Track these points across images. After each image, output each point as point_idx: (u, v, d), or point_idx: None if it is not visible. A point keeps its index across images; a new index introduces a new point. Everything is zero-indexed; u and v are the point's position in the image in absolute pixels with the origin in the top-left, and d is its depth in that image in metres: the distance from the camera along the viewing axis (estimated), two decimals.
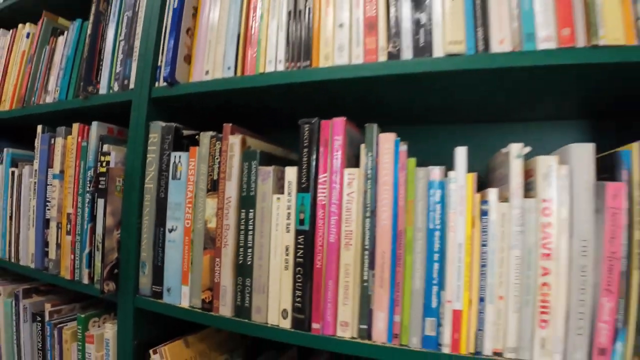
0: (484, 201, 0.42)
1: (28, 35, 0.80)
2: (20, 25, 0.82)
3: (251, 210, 0.49)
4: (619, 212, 0.38)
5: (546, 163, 0.40)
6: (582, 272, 0.39)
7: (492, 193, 0.41)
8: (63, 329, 0.66)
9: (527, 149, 0.42)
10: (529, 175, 0.43)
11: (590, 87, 0.46)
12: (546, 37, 0.41)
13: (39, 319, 0.70)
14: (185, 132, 0.58)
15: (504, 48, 0.42)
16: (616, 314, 0.38)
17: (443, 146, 0.65)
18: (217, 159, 0.52)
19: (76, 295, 0.77)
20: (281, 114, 0.65)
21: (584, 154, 0.40)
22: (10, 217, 0.76)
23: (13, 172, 0.76)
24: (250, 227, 0.49)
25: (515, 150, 0.41)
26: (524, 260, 0.40)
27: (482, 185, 0.48)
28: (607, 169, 0.41)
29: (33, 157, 0.82)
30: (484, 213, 0.41)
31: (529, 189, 0.42)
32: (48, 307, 0.69)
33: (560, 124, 0.61)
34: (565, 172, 0.40)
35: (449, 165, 0.45)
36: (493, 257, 0.41)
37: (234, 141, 0.50)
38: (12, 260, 0.75)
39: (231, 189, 0.50)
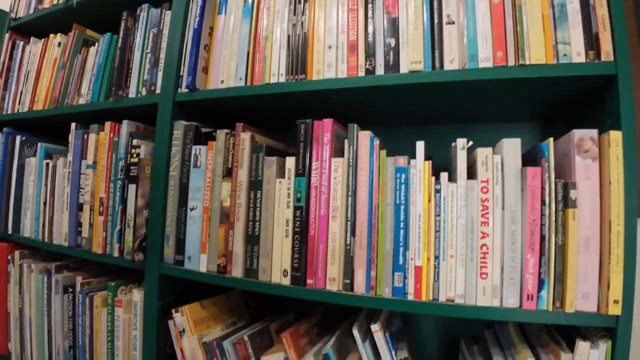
0: (437, 182, 0.55)
1: (59, 44, 0.93)
2: (51, 35, 0.95)
3: (259, 191, 0.62)
4: (537, 189, 0.52)
5: (484, 153, 0.54)
6: (512, 235, 0.53)
7: (443, 176, 0.55)
8: (94, 296, 0.78)
9: (470, 143, 0.56)
10: (473, 163, 0.56)
11: (525, 96, 0.60)
12: (485, 58, 0.55)
13: (70, 290, 0.83)
14: (203, 130, 0.71)
15: (453, 66, 0.56)
16: (539, 267, 0.52)
17: (411, 142, 0.80)
18: (230, 151, 0.65)
19: (102, 270, 0.89)
20: (281, 115, 0.78)
21: (512, 146, 0.54)
22: (44, 203, 0.88)
23: (47, 164, 0.89)
24: (258, 205, 0.62)
25: (461, 143, 0.55)
26: (468, 227, 0.54)
27: (445, 171, 0.62)
28: (532, 158, 0.55)
29: (64, 150, 0.94)
30: (437, 191, 0.55)
31: (472, 174, 0.56)
32: (79, 279, 0.82)
33: (513, 125, 0.76)
34: (498, 160, 0.54)
35: (412, 156, 0.59)
36: (444, 224, 0.54)
37: (245, 137, 0.64)
38: (46, 240, 0.87)
39: (242, 175, 0.63)
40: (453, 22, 0.57)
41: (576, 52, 0.53)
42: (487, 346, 0.65)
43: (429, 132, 0.80)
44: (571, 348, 0.52)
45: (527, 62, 0.54)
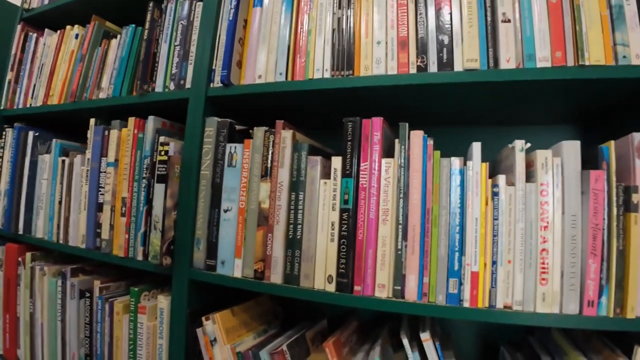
0: (494, 185, 0.54)
1: (77, 36, 0.89)
2: (68, 27, 0.91)
3: (301, 193, 0.60)
4: (600, 193, 0.51)
5: (543, 155, 0.53)
6: (572, 240, 0.51)
7: (501, 179, 0.53)
8: (114, 302, 0.75)
9: (528, 145, 0.54)
10: (529, 165, 0.55)
11: (578, 97, 0.59)
12: (543, 58, 0.54)
13: (87, 295, 0.79)
14: (237, 127, 0.69)
15: (510, 65, 0.55)
16: (600, 273, 0.50)
17: (459, 144, 0.78)
18: (269, 149, 0.63)
19: (120, 274, 0.85)
20: (319, 113, 0.76)
21: (572, 148, 0.52)
22: (60, 202, 0.85)
23: (63, 161, 0.85)
24: (300, 207, 0.60)
25: (519, 145, 0.54)
26: (527, 231, 0.52)
27: (491, 175, 0.61)
28: (591, 161, 0.54)
29: (80, 147, 0.91)
30: (495, 194, 0.53)
31: (529, 176, 0.54)
32: (97, 284, 0.78)
33: (555, 128, 0.75)
34: (558, 163, 0.52)
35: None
36: (502, 229, 0.53)
37: (286, 135, 0.61)
38: (61, 241, 0.84)
39: (283, 175, 0.61)
40: (509, 20, 0.56)
41: (635, 54, 0.52)
42: (534, 353, 0.64)
43: (468, 134, 0.79)
44: (627, 354, 0.51)
45: (587, 63, 0.52)
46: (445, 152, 0.77)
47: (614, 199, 0.50)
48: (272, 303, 0.80)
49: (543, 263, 0.51)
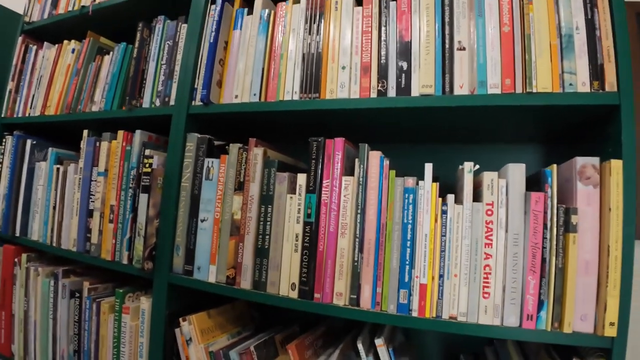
0: (444, 203, 0.59)
1: (73, 50, 0.97)
2: (65, 42, 0.99)
3: (269, 206, 0.66)
4: (539, 214, 0.56)
5: (489, 177, 0.58)
6: (514, 257, 0.56)
7: (450, 198, 0.59)
8: (101, 302, 0.82)
9: (477, 167, 0.60)
10: (478, 186, 0.61)
11: (530, 121, 0.65)
12: (494, 84, 0.59)
13: (77, 295, 0.87)
14: (216, 143, 0.75)
15: (463, 91, 0.60)
16: (539, 289, 0.55)
17: (420, 161, 0.84)
18: (243, 165, 0.69)
19: (108, 276, 0.93)
20: (292, 131, 0.82)
21: (517, 170, 0.58)
22: (54, 207, 0.92)
23: (58, 169, 0.93)
24: (269, 219, 0.66)
25: (468, 167, 0.59)
26: (472, 248, 0.58)
27: (451, 191, 0.66)
28: (536, 183, 0.59)
29: (74, 156, 0.98)
30: (444, 212, 0.59)
31: (477, 196, 0.60)
32: (86, 285, 0.85)
33: (517, 147, 0.80)
34: (503, 184, 0.58)
35: (420, 176, 0.63)
36: (450, 244, 0.58)
37: (258, 152, 0.68)
38: (54, 244, 0.91)
39: (254, 189, 0.68)
40: (464, 48, 0.61)
41: (581, 82, 0.57)
42: None
43: (434, 151, 0.84)
44: None
45: (535, 90, 0.58)
46: (407, 169, 0.84)
47: (555, 219, 0.55)
48: (248, 307, 0.86)
49: (486, 278, 0.57)
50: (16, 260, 0.98)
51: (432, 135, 0.79)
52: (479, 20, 0.61)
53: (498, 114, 0.63)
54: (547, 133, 0.73)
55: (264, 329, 0.81)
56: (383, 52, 0.64)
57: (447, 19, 0.63)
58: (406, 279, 0.59)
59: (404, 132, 0.78)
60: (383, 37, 0.65)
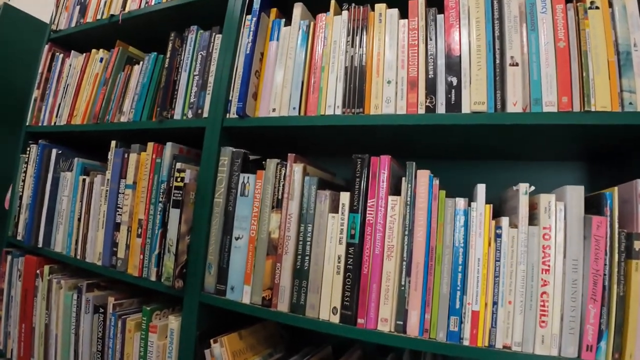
0: (498, 227, 0.57)
1: (101, 60, 0.97)
2: (93, 50, 0.99)
3: (309, 225, 0.65)
4: (601, 239, 0.53)
5: (547, 199, 0.56)
6: (573, 284, 0.54)
7: (505, 221, 0.57)
8: (127, 319, 0.81)
9: (532, 188, 0.58)
10: (533, 208, 0.58)
11: (583, 140, 0.62)
12: (549, 102, 0.57)
13: (101, 310, 0.85)
14: (251, 157, 0.74)
15: (516, 109, 0.58)
16: (600, 318, 0.53)
17: (464, 179, 0.82)
18: (281, 181, 0.68)
19: (133, 291, 0.91)
20: (331, 146, 0.81)
21: (575, 193, 0.55)
22: (79, 219, 0.91)
23: (84, 180, 0.92)
24: (308, 239, 0.64)
25: (523, 188, 0.57)
26: (528, 274, 0.55)
27: (496, 213, 0.64)
28: (594, 205, 0.57)
29: (100, 167, 0.98)
30: (497, 236, 0.57)
31: (533, 219, 0.58)
32: (111, 300, 0.84)
33: (562, 165, 0.77)
34: (561, 207, 0.56)
35: (469, 194, 0.61)
36: (504, 270, 0.56)
37: (297, 168, 0.66)
38: (78, 257, 0.90)
39: (293, 207, 0.66)
40: (517, 64, 0.60)
41: None
42: None
43: (476, 167, 0.82)
44: None
45: (593, 109, 0.56)
46: (450, 186, 0.81)
47: (616, 245, 0.53)
48: (278, 326, 0.84)
49: (543, 305, 0.54)
50: (38, 272, 0.97)
51: (471, 152, 0.77)
52: (532, 35, 0.60)
53: (550, 133, 0.61)
54: (590, 152, 0.71)
55: (294, 350, 0.79)
56: (431, 67, 0.62)
57: (497, 33, 0.61)
58: (457, 306, 0.57)
59: (442, 149, 0.76)
60: (430, 51, 0.63)
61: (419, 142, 0.72)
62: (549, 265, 0.55)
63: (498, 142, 0.67)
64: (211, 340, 0.70)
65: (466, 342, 0.56)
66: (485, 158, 0.81)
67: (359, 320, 0.60)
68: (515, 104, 0.59)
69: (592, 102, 0.56)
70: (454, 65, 0.62)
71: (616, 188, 0.55)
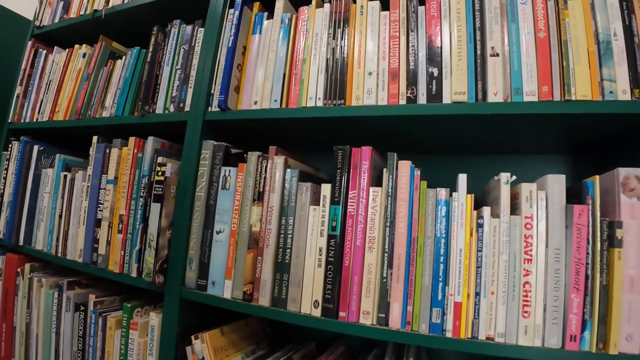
0: (479, 216, 0.55)
1: (84, 55, 0.93)
2: (76, 46, 0.96)
3: (291, 218, 0.62)
4: (583, 228, 0.52)
5: (528, 188, 0.54)
6: (555, 273, 0.52)
7: (486, 210, 0.55)
8: (108, 317, 0.77)
9: (514, 178, 0.56)
10: (514, 198, 0.56)
11: (565, 130, 0.61)
12: (530, 92, 0.56)
13: (82, 308, 0.81)
14: (233, 151, 0.71)
15: (497, 98, 0.57)
16: (583, 307, 0.51)
17: (448, 173, 0.80)
18: (262, 174, 0.65)
19: (115, 289, 0.88)
20: (312, 139, 0.78)
21: (556, 182, 0.53)
22: (60, 216, 0.87)
23: (65, 176, 0.88)
24: (290, 232, 0.62)
25: (505, 178, 0.55)
26: (510, 264, 0.53)
27: (478, 204, 0.62)
28: (575, 195, 0.55)
29: (82, 163, 0.94)
30: (479, 226, 0.55)
31: (514, 209, 0.56)
32: (92, 298, 0.80)
33: (544, 157, 0.76)
34: (542, 196, 0.54)
35: (451, 187, 0.59)
36: (486, 260, 0.54)
37: (278, 161, 0.64)
38: (59, 254, 0.86)
39: (274, 200, 0.63)
40: (497, 54, 0.58)
41: (622, 90, 0.54)
42: None
43: (457, 162, 0.80)
44: None
45: (574, 98, 0.54)
46: (433, 179, 0.80)
47: (598, 233, 0.51)
48: (262, 323, 0.81)
49: (526, 296, 0.52)
50: (19, 270, 0.93)
51: (455, 145, 0.75)
52: (512, 26, 0.58)
53: (531, 123, 0.59)
54: (573, 144, 0.69)
55: (278, 346, 0.76)
56: (412, 58, 0.60)
57: (477, 24, 0.60)
58: (439, 297, 0.54)
59: (426, 142, 0.74)
60: (412, 43, 0.61)
61: (401, 136, 0.70)
62: (531, 255, 0.53)
63: (480, 134, 0.65)
64: (192, 337, 0.67)
65: (449, 334, 0.53)
66: (468, 152, 0.79)
67: (341, 314, 0.57)
68: (496, 93, 0.57)
69: (573, 91, 0.54)
70: (435, 56, 0.60)
71: (597, 177, 0.53)
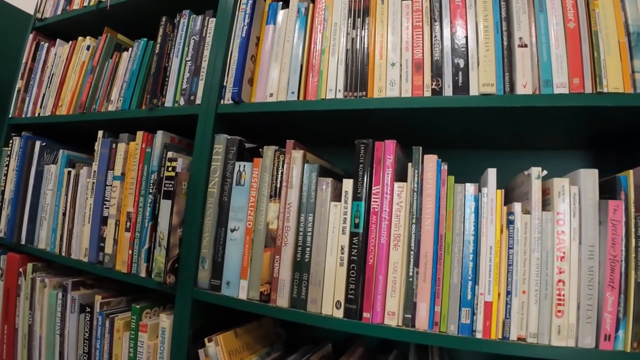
0: (510, 212, 0.52)
1: (88, 47, 0.88)
2: (80, 38, 0.91)
3: (310, 215, 0.58)
4: (618, 224, 0.49)
5: (560, 183, 0.51)
6: (589, 271, 0.49)
7: (517, 206, 0.51)
8: (115, 319, 0.72)
9: (545, 172, 0.53)
10: (545, 193, 0.53)
11: (594, 125, 0.58)
12: (560, 84, 0.53)
13: (88, 309, 0.76)
14: (247, 145, 0.67)
15: (526, 90, 0.53)
16: (618, 306, 0.48)
17: (469, 169, 0.76)
18: (279, 169, 0.61)
19: (122, 289, 0.83)
20: (329, 133, 0.74)
21: (589, 177, 0.50)
22: (64, 214, 0.82)
23: (69, 172, 0.83)
24: (309, 229, 0.58)
25: (536, 172, 0.52)
26: (543, 261, 0.50)
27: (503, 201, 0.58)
28: (608, 190, 0.52)
29: (86, 159, 0.89)
30: (510, 222, 0.51)
31: (545, 204, 0.52)
32: (98, 298, 0.75)
33: (566, 153, 0.73)
34: (575, 191, 0.51)
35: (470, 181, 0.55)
36: (517, 258, 0.50)
37: (297, 155, 0.60)
38: (63, 253, 0.81)
39: (293, 196, 0.59)
40: (525, 45, 0.54)
41: None
42: None
43: (479, 157, 0.77)
44: None
45: (605, 90, 0.51)
46: (454, 175, 0.76)
47: (632, 230, 0.48)
48: (274, 324, 0.77)
49: (559, 294, 0.49)
50: (21, 270, 0.88)
51: (475, 141, 0.72)
52: (541, 16, 0.55)
53: (561, 116, 0.56)
54: (594, 139, 0.66)
55: (293, 349, 0.72)
56: (437, 49, 0.57)
57: (504, 14, 0.56)
58: (469, 297, 0.51)
59: (446, 138, 0.70)
60: (436, 33, 0.57)
61: (421, 130, 0.67)
62: (564, 252, 0.50)
63: (505, 128, 0.62)
64: (205, 339, 0.62)
65: (479, 335, 0.50)
66: (488, 148, 0.76)
67: (365, 315, 0.54)
68: (525, 85, 0.54)
69: (604, 83, 0.51)
70: (460, 47, 0.56)
71: (631, 171, 0.50)
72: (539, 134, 0.64)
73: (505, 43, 0.55)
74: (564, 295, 0.49)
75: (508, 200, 0.61)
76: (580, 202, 0.50)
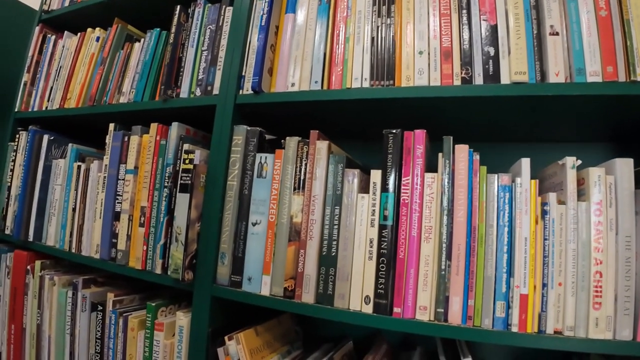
0: (544, 203, 0.50)
1: (98, 39, 0.85)
2: (89, 30, 0.87)
3: (337, 207, 0.56)
4: None
5: (596, 173, 0.49)
6: (627, 262, 0.47)
7: (552, 196, 0.50)
8: (129, 317, 0.69)
9: (579, 162, 0.51)
10: (579, 183, 0.51)
11: (625, 113, 0.56)
12: (594, 72, 0.51)
13: (99, 308, 0.73)
14: (267, 137, 0.64)
15: (559, 79, 0.51)
16: None
17: (495, 160, 0.73)
18: (303, 160, 0.58)
19: (134, 287, 0.80)
20: (352, 124, 0.72)
21: (625, 166, 0.49)
22: (74, 209, 0.79)
23: (79, 166, 0.80)
24: (336, 222, 0.55)
25: (570, 162, 0.50)
26: (579, 253, 0.48)
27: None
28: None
29: (96, 153, 0.85)
30: (545, 213, 0.49)
31: (580, 194, 0.51)
32: (111, 296, 0.72)
33: (587, 146, 0.71)
34: (611, 181, 0.49)
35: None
36: (553, 249, 0.49)
37: (321, 146, 0.57)
38: (73, 250, 0.78)
39: (318, 188, 0.57)
40: (557, 33, 0.53)
41: None
42: None
43: (503, 150, 0.74)
44: None
45: (639, 79, 0.49)
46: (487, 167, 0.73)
47: None
48: (292, 322, 0.74)
49: (596, 286, 0.47)
50: (29, 267, 0.84)
51: (499, 133, 0.70)
52: (571, 4, 0.53)
53: (594, 105, 0.54)
54: (617, 130, 0.65)
55: (313, 347, 0.70)
56: (466, 37, 0.55)
57: (532, 2, 0.54)
58: (503, 289, 0.49)
59: (471, 130, 0.68)
60: (464, 21, 0.55)
61: (444, 121, 0.65)
62: (600, 243, 0.48)
63: (532, 118, 0.60)
64: (226, 338, 0.60)
65: (514, 329, 0.48)
66: (508, 140, 0.74)
67: (395, 310, 0.52)
68: (557, 74, 0.52)
69: (638, 71, 0.50)
70: (490, 35, 0.54)
71: None
72: (563, 125, 0.63)
73: (535, 31, 0.53)
74: (601, 287, 0.47)
75: (539, 192, 0.59)
76: (617, 192, 0.48)
